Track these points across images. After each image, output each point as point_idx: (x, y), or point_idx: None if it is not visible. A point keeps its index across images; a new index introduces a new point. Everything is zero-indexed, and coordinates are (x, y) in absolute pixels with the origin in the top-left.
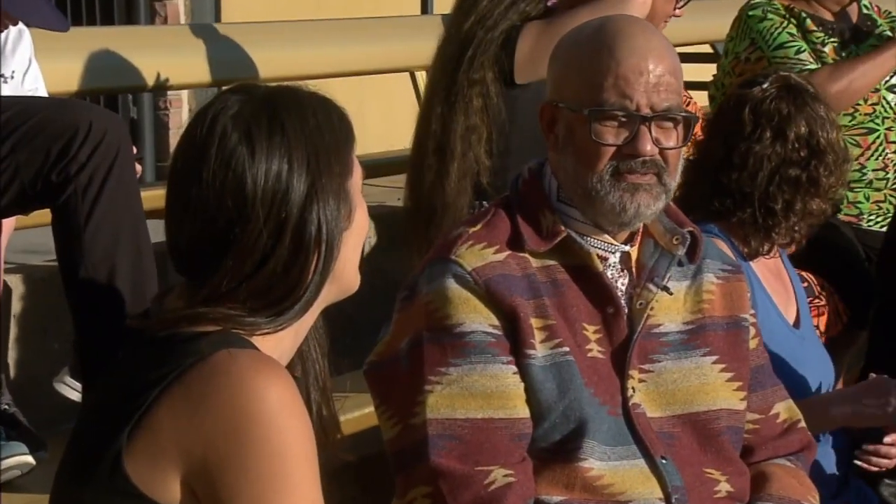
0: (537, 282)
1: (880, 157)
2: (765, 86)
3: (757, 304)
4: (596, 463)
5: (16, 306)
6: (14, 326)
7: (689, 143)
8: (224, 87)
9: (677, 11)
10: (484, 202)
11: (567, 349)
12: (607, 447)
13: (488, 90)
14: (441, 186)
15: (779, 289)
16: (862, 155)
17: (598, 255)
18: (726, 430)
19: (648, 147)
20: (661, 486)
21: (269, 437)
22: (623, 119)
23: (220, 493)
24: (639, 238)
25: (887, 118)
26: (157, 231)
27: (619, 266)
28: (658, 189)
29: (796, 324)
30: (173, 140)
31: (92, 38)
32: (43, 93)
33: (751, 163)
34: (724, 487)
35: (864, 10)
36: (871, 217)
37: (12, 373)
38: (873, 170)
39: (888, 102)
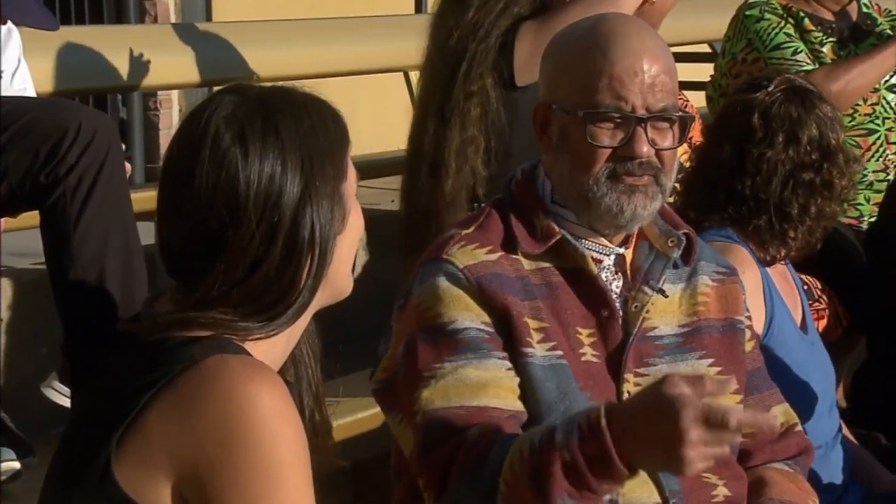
0: (531, 284)
1: (881, 159)
2: (770, 89)
3: (775, 312)
4: None
5: (4, 310)
6: (2, 330)
7: (688, 149)
8: (215, 88)
9: None
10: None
11: (561, 353)
12: None
13: (488, 97)
14: (436, 208)
15: (788, 293)
16: (862, 156)
17: (592, 257)
18: None
19: (645, 148)
20: (658, 491)
21: (262, 444)
22: (618, 120)
23: (212, 500)
24: (633, 240)
25: (887, 118)
26: (147, 233)
27: (613, 269)
28: (654, 190)
29: (802, 328)
30: (163, 141)
31: (81, 37)
32: (31, 93)
33: (764, 169)
34: (721, 492)
35: (864, 9)
36: (871, 219)
37: (0, 377)
38: (873, 171)
39: (888, 102)
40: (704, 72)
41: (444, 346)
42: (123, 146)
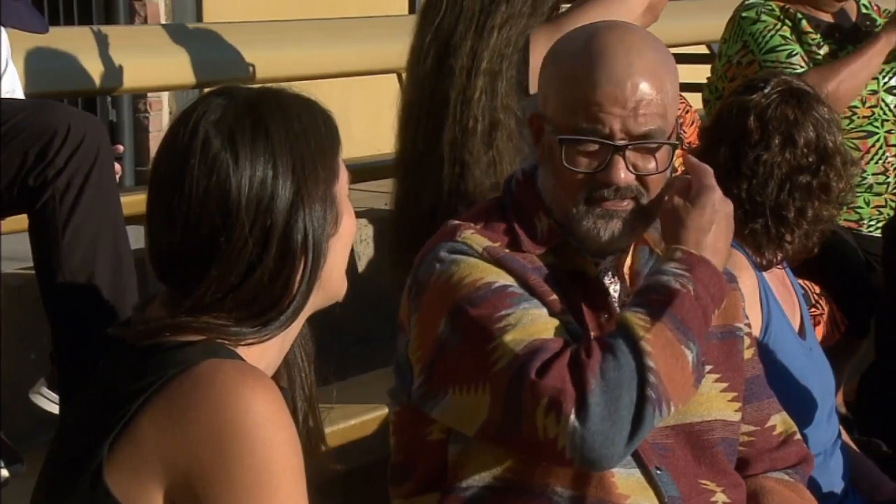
0: (540, 276)
1: (880, 161)
2: (766, 90)
3: (772, 317)
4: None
5: None
6: None
7: (683, 152)
8: (206, 89)
9: None
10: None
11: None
12: None
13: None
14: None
15: (786, 298)
16: (861, 159)
17: (592, 260)
18: (720, 442)
19: (622, 175)
20: (657, 497)
21: (255, 450)
22: (595, 147)
23: None
24: (633, 245)
25: (886, 121)
26: (137, 237)
27: (610, 272)
28: (636, 213)
29: (800, 334)
30: (153, 143)
31: (70, 38)
32: (20, 95)
33: (760, 172)
34: (720, 499)
35: (864, 10)
36: (872, 222)
37: None
38: (873, 174)
39: (887, 105)
40: (702, 73)
41: (497, 300)
42: (119, 147)
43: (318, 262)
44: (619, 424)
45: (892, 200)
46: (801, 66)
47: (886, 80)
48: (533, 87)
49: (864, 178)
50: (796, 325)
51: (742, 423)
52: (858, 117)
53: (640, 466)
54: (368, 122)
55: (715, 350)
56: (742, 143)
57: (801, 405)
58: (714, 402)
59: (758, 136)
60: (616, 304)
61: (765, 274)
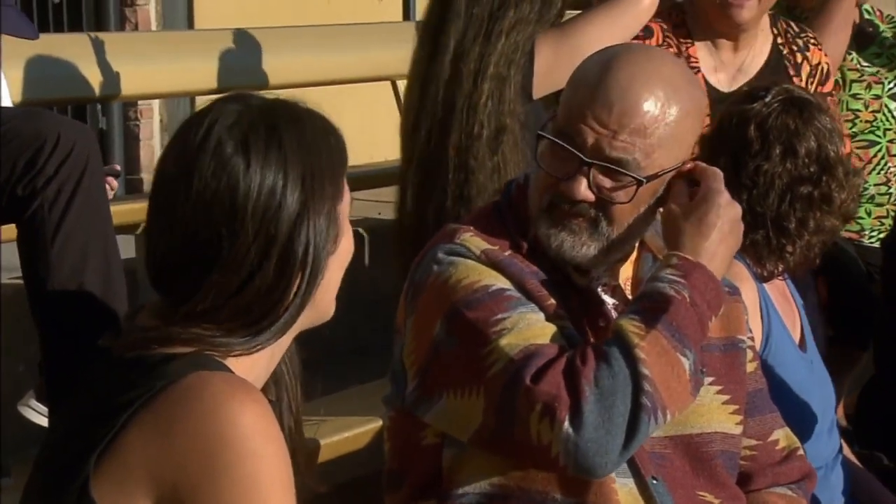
0: (538, 280)
1: (882, 171)
2: (767, 99)
3: (772, 328)
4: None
5: None
6: None
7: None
8: (197, 97)
9: None
10: None
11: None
12: None
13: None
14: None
15: (787, 310)
16: (863, 168)
17: (580, 269)
18: (720, 455)
19: (581, 190)
20: None
21: (244, 463)
22: (569, 156)
23: None
24: (636, 253)
25: (889, 130)
26: (126, 247)
27: (603, 283)
28: (589, 235)
29: (801, 346)
30: (144, 151)
31: (59, 45)
32: (7, 103)
33: (761, 182)
34: None
35: (867, 16)
36: (873, 233)
37: None
38: (875, 184)
39: (890, 111)
40: None
41: (493, 304)
42: (117, 166)
43: (316, 278)
44: (614, 432)
45: (893, 211)
46: None
47: (891, 86)
48: (537, 92)
49: (866, 189)
50: (797, 338)
51: (744, 436)
52: (861, 121)
53: (636, 476)
54: (362, 129)
55: (717, 362)
56: (742, 153)
57: (801, 419)
58: (714, 414)
59: (758, 145)
60: (613, 312)
61: (765, 285)
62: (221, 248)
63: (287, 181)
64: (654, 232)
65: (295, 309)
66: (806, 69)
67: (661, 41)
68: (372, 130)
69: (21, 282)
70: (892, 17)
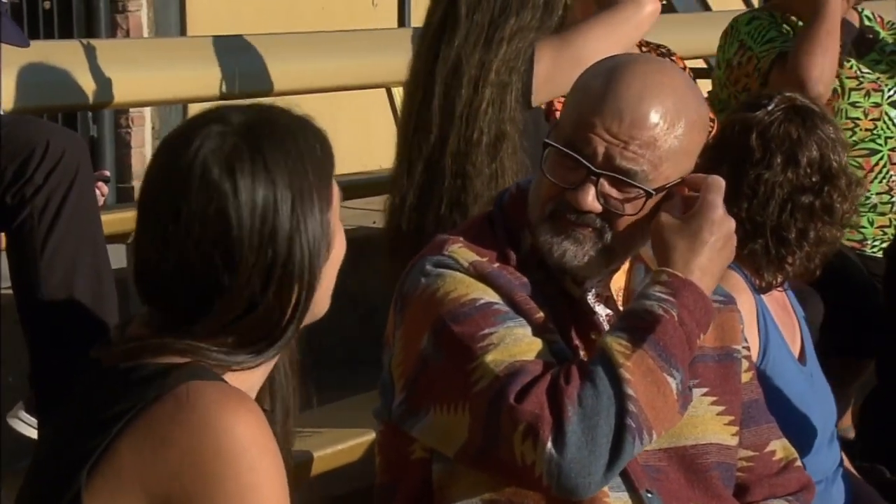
0: (527, 293)
1: (884, 180)
2: (770, 108)
3: (770, 340)
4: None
5: None
6: None
7: None
8: (189, 105)
9: None
10: None
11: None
12: None
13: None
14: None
15: (786, 322)
16: (865, 177)
17: (575, 280)
18: (715, 466)
19: (588, 200)
20: None
21: (239, 475)
22: (576, 166)
23: None
24: (629, 264)
25: (890, 138)
26: (117, 256)
27: (594, 293)
28: (593, 245)
29: (801, 359)
30: (135, 159)
31: (49, 51)
32: None
33: (761, 191)
34: None
35: (867, 22)
36: (875, 243)
37: None
38: (877, 193)
39: (891, 119)
40: (702, 88)
41: (481, 318)
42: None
43: (312, 292)
44: (597, 453)
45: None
46: None
47: (891, 93)
48: (536, 99)
49: (868, 198)
50: (796, 351)
51: (740, 447)
52: (861, 129)
53: (630, 490)
54: (356, 137)
55: (712, 372)
56: (743, 162)
57: (801, 432)
58: (709, 426)
59: (759, 154)
60: (605, 323)
61: (764, 297)
62: (220, 279)
63: (278, 206)
64: (647, 243)
65: (295, 325)
66: None
67: None
68: (366, 138)
69: (10, 291)
70: (894, 24)
